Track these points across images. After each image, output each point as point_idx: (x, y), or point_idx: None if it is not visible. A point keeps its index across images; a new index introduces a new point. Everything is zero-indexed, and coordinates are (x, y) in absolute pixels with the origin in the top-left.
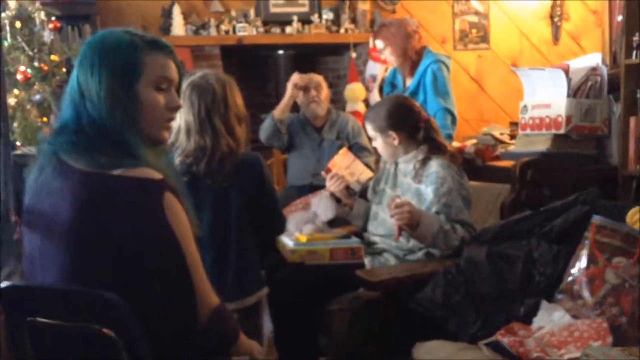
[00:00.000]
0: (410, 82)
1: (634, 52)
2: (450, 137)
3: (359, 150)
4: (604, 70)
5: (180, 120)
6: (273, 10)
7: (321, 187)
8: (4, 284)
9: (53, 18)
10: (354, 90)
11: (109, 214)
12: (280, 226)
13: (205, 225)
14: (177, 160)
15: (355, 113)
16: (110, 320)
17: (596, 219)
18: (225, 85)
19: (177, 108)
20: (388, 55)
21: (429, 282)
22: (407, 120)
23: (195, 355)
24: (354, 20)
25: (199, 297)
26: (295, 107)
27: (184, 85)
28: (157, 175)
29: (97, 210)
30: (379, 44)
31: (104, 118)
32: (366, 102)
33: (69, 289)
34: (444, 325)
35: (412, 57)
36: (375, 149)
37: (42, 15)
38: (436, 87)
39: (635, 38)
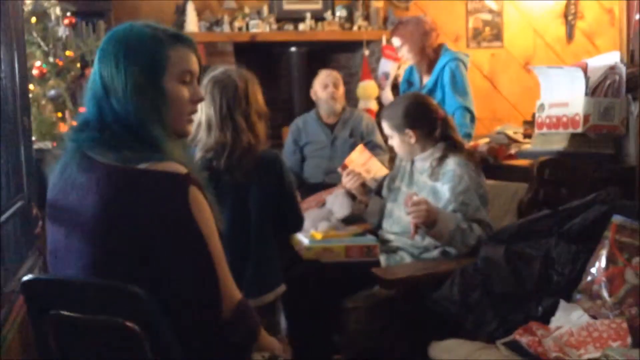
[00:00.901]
0: (427, 80)
1: None
2: (469, 136)
3: (373, 147)
4: (623, 69)
5: (202, 115)
6: (286, 7)
7: (334, 184)
8: (27, 277)
9: (68, 14)
10: (367, 88)
11: (135, 208)
12: (298, 225)
13: (225, 221)
14: (198, 155)
15: (368, 110)
16: (135, 314)
17: (616, 219)
18: (247, 81)
19: (200, 100)
20: (405, 53)
21: (446, 281)
22: (424, 119)
23: (220, 351)
24: (367, 18)
25: (223, 291)
26: (308, 104)
27: (205, 80)
28: (183, 170)
29: (123, 204)
30: (396, 41)
31: (130, 113)
32: (379, 99)
33: (93, 282)
34: (461, 324)
35: (429, 55)
36: (391, 147)
37: (58, 10)
38: (455, 85)
39: None
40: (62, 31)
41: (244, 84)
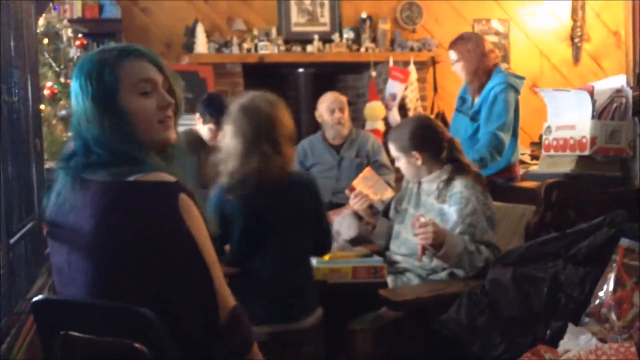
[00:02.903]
0: (477, 100)
1: None
2: (482, 161)
3: (378, 168)
4: (629, 92)
5: (230, 143)
6: (294, 29)
7: (341, 205)
8: (37, 297)
9: (80, 35)
10: (374, 109)
11: (128, 219)
12: (327, 246)
13: (260, 247)
14: (226, 183)
15: (375, 131)
16: (143, 335)
17: (624, 242)
18: (274, 107)
19: (168, 105)
20: (459, 69)
21: (454, 303)
22: (430, 141)
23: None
24: (374, 40)
25: (219, 297)
26: (315, 125)
27: (233, 108)
28: (171, 178)
29: (116, 216)
30: (453, 55)
31: (102, 138)
32: (386, 120)
33: (102, 303)
34: (468, 347)
35: (481, 78)
36: (397, 167)
37: (69, 32)
38: (492, 110)
39: None
40: (73, 52)
41: (271, 110)
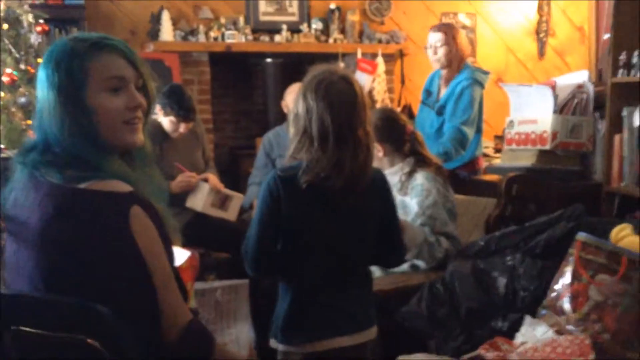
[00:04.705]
0: (443, 95)
1: (620, 71)
2: (446, 154)
3: None
4: (591, 88)
5: (311, 126)
6: (262, 18)
7: None
8: None
9: (41, 21)
10: None
11: (74, 228)
12: (399, 259)
13: (331, 248)
14: (304, 175)
15: None
16: (99, 332)
17: (581, 236)
18: (361, 86)
19: (137, 107)
20: (440, 54)
21: (414, 296)
22: (392, 133)
23: None
24: (342, 31)
25: (168, 315)
26: (283, 115)
27: (313, 82)
28: (124, 188)
29: (62, 223)
30: (438, 37)
31: (60, 134)
32: None
33: (55, 298)
34: (428, 338)
35: (454, 70)
36: None
37: (30, 17)
38: (457, 104)
39: (622, 57)
40: (34, 38)
41: (361, 89)
